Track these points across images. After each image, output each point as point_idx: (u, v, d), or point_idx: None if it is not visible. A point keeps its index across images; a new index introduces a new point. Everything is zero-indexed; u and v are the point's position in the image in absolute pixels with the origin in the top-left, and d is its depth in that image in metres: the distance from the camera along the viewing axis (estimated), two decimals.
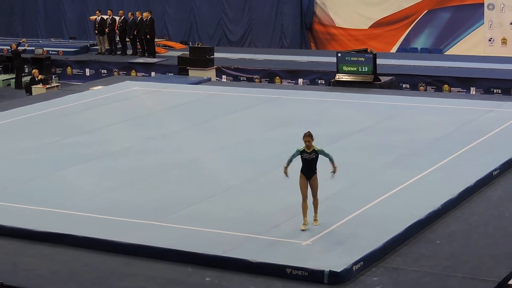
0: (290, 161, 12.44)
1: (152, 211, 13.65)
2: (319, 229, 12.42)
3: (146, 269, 11.73)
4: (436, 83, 26.46)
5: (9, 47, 32.72)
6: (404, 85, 26.49)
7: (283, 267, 11.31)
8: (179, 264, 11.79)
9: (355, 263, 11.33)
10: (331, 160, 12.51)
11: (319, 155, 12.37)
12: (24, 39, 33.19)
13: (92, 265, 11.93)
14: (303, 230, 12.42)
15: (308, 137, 12.34)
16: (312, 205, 12.50)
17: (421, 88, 26.40)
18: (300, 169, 12.42)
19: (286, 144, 16.92)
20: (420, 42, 32.73)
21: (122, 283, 11.32)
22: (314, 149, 12.32)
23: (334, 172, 12.57)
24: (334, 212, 13.21)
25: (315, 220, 12.53)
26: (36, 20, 39.54)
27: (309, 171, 12.36)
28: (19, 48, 31.53)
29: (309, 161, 12.32)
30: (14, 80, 31.54)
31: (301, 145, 12.38)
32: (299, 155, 12.37)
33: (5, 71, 32.83)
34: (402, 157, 16.27)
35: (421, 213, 12.98)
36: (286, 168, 12.42)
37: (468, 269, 11.39)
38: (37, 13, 39.43)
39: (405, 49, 32.66)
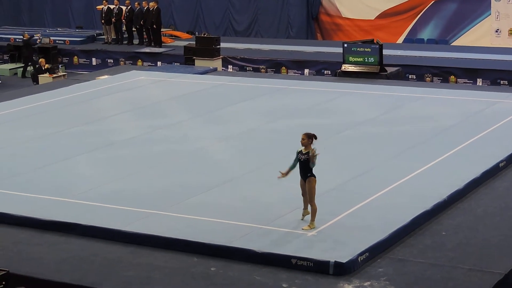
0: (292, 166, 12.18)
1: (157, 200, 13.67)
2: (324, 220, 12.40)
3: (151, 258, 11.75)
4: (443, 74, 26.43)
5: (17, 37, 32.78)
6: (410, 76, 26.46)
7: (288, 258, 11.32)
8: (185, 254, 11.81)
9: (361, 254, 11.34)
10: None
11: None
12: (38, 34, 32.92)
13: (98, 254, 11.96)
14: (302, 219, 12.42)
15: (303, 135, 12.05)
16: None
17: (428, 79, 26.36)
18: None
19: (291, 134, 16.90)
20: (426, 33, 32.67)
21: (128, 272, 11.34)
22: (309, 151, 12.02)
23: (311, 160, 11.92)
24: (340, 203, 13.21)
25: (311, 224, 12.21)
26: (43, 9, 39.58)
27: (302, 172, 12.12)
28: (31, 41, 31.44)
29: (301, 162, 12.09)
30: (21, 69, 31.58)
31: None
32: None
33: (12, 60, 32.87)
34: (408, 148, 16.25)
35: (427, 204, 12.97)
36: (285, 173, 12.22)
37: (474, 260, 11.39)
38: (44, 2, 39.46)
39: (412, 40, 32.60)
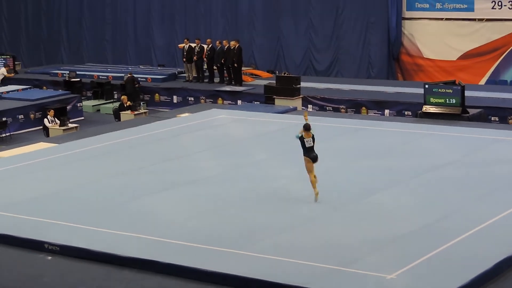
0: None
1: (236, 239, 13.67)
2: (404, 263, 12.24)
3: None
4: None
5: (101, 74, 33.46)
6: (493, 118, 26.08)
7: None
8: None
9: None
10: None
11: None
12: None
13: None
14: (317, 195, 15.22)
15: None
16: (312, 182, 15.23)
17: (511, 121, 25.94)
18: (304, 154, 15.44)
19: (370, 175, 16.81)
20: (509, 74, 32.18)
21: None
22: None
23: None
24: (421, 246, 13.01)
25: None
26: (126, 47, 40.35)
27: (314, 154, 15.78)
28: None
29: (311, 147, 15.74)
30: (104, 105, 32.14)
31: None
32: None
33: (95, 97, 33.53)
34: (490, 192, 15.95)
35: (510, 250, 12.68)
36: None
37: None
38: (128, 40, 40.23)
39: (494, 81, 32.16)
